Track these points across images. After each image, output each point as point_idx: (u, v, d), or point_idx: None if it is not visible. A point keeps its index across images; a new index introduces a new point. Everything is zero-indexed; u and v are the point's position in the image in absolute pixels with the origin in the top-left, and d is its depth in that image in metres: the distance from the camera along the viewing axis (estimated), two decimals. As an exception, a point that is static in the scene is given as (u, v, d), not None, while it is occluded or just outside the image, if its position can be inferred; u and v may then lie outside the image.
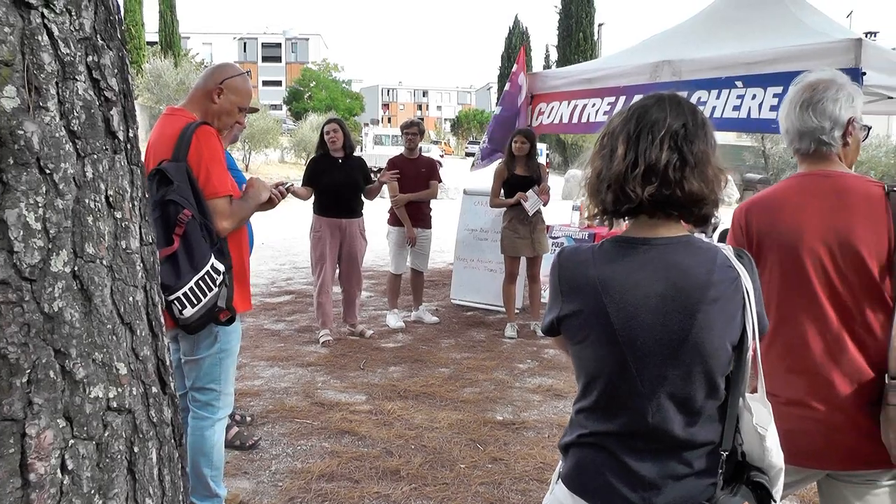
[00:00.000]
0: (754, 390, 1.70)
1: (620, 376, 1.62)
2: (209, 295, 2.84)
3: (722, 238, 6.60)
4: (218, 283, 2.87)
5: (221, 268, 2.89)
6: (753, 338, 1.59)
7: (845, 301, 2.08)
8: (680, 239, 1.63)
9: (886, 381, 2.01)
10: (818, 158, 2.22)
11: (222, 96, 3.11)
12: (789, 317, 2.16)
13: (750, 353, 1.60)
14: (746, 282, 1.59)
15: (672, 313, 1.57)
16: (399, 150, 7.77)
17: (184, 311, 2.78)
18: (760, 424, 1.62)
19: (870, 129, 2.30)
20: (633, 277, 1.61)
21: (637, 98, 1.74)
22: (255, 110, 3.71)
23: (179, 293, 2.75)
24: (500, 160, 7.43)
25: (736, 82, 5.96)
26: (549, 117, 8.04)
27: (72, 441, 1.28)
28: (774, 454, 1.64)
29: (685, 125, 1.60)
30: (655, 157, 1.57)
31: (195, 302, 2.79)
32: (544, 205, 7.10)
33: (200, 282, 2.80)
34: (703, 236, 1.71)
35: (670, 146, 1.58)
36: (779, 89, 5.60)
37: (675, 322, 1.56)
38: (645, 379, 1.59)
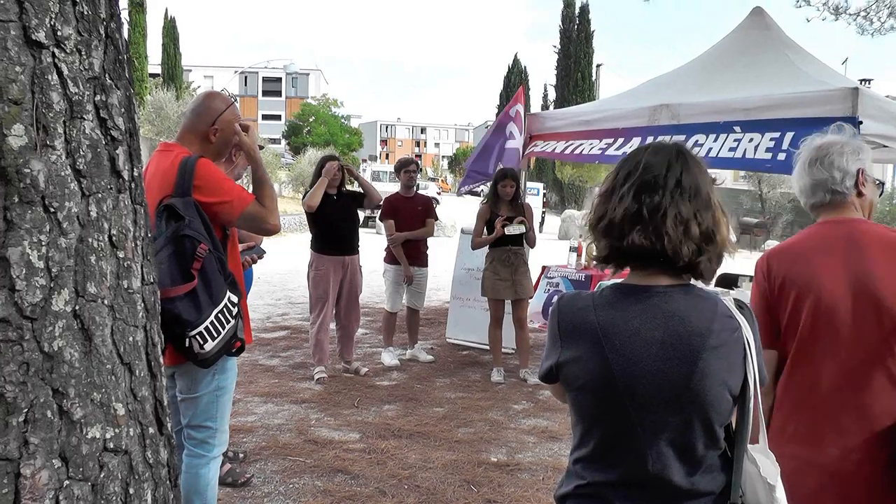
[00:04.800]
0: (754, 441, 1.69)
1: (620, 423, 1.60)
2: (227, 327, 2.86)
3: (720, 284, 6.59)
4: (234, 314, 2.90)
5: (235, 299, 2.93)
6: (755, 388, 1.58)
7: (867, 342, 2.10)
8: (679, 287, 1.63)
9: None
10: (833, 207, 2.30)
11: (219, 133, 3.14)
12: (805, 359, 2.20)
13: (752, 402, 1.60)
14: (747, 332, 1.58)
15: (672, 360, 1.56)
16: (396, 186, 7.78)
17: (205, 346, 2.79)
18: (768, 476, 1.61)
19: (883, 184, 2.38)
20: (632, 324, 1.60)
21: (635, 141, 1.77)
22: (261, 147, 3.72)
23: (201, 328, 2.76)
24: (482, 199, 7.19)
25: (734, 127, 5.98)
26: (540, 149, 7.95)
27: (67, 482, 1.27)
28: None
29: (679, 181, 1.62)
30: (647, 208, 1.60)
31: (215, 335, 2.81)
32: (531, 246, 7.06)
33: (220, 314, 2.83)
34: (702, 283, 1.70)
35: (665, 199, 1.60)
36: (777, 134, 5.62)
37: (676, 369, 1.56)
38: (645, 426, 1.58)
